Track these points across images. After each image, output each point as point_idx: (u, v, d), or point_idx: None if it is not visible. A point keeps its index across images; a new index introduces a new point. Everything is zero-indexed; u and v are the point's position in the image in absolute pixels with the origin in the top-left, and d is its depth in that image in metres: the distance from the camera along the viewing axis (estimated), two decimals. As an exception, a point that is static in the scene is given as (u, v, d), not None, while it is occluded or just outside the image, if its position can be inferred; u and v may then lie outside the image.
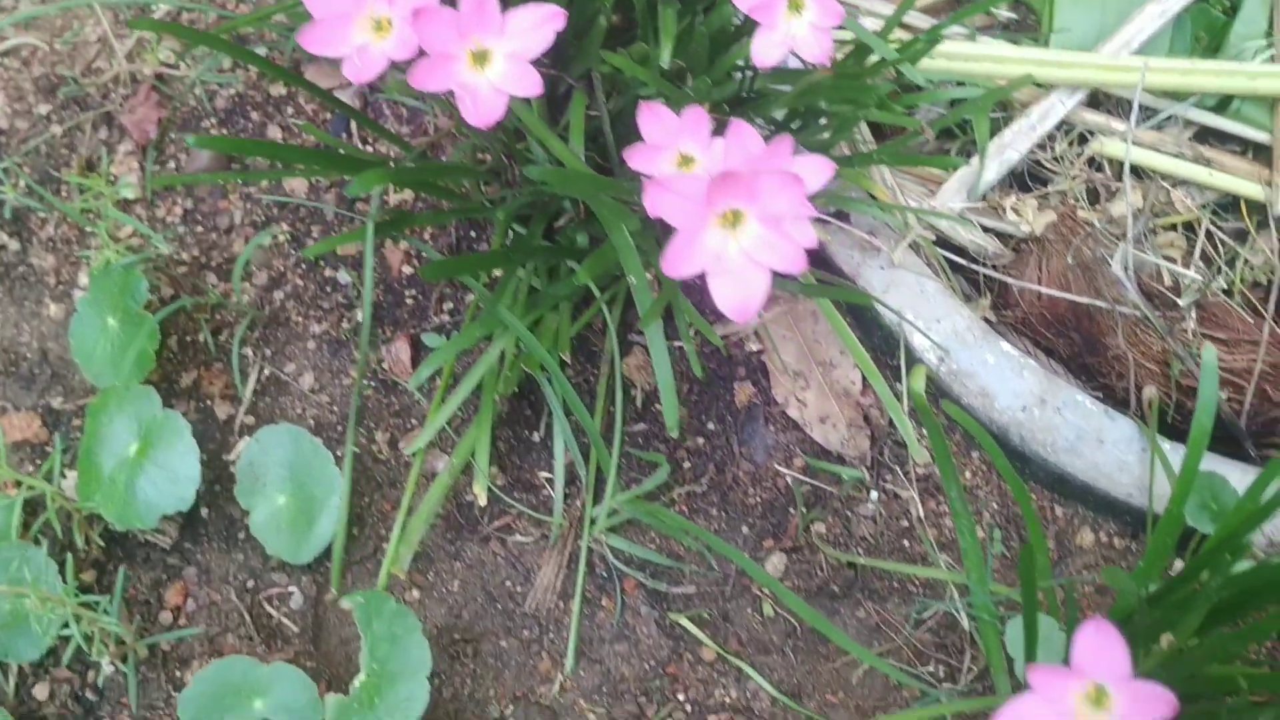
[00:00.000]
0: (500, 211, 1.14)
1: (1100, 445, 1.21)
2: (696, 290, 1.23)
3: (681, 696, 1.15)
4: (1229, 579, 0.95)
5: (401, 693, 1.02)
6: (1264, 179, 1.39)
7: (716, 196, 0.70)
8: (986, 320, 1.34)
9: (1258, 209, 1.39)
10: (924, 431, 1.25)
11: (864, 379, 1.24)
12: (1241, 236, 1.40)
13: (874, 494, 1.22)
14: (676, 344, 1.25)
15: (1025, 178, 1.40)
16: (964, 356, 1.24)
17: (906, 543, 1.21)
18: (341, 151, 1.21)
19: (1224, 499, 1.11)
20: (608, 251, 1.01)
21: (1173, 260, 1.36)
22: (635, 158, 0.85)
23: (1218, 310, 1.36)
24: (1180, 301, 1.29)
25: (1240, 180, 1.39)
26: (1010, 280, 1.32)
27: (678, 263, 0.72)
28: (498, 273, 1.17)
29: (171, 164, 1.32)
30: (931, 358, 1.23)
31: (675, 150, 0.85)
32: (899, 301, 1.25)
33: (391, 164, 1.19)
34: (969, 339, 1.25)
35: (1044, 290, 1.30)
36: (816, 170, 0.82)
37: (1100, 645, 0.64)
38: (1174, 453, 1.21)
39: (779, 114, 1.20)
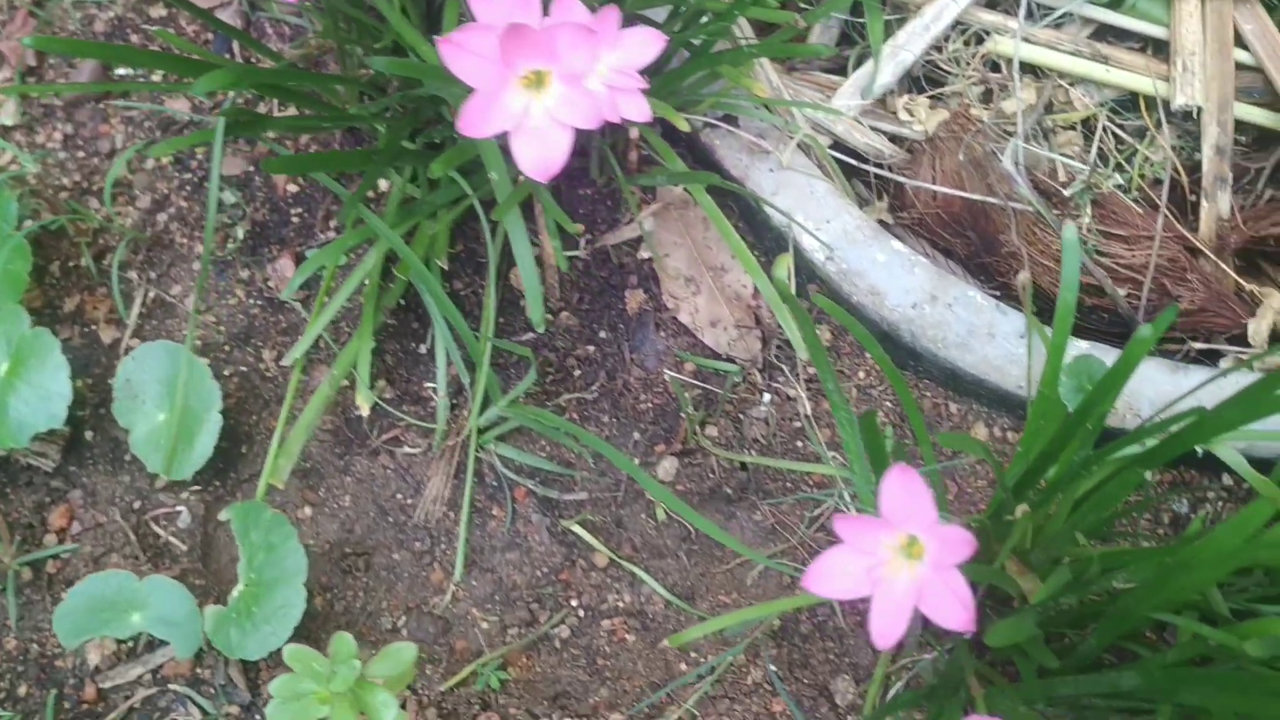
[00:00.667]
0: (377, 119, 1.12)
1: (991, 339, 1.21)
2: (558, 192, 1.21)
3: (575, 602, 1.15)
4: (1091, 457, 0.95)
5: (279, 599, 1.02)
6: (1161, 74, 1.38)
7: (512, 54, 0.69)
8: (883, 223, 1.33)
9: (1158, 105, 1.38)
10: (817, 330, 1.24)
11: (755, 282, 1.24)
12: (1142, 133, 1.39)
13: (766, 396, 1.21)
14: (569, 253, 1.24)
15: (922, 80, 1.39)
16: (854, 255, 1.23)
17: (800, 443, 1.20)
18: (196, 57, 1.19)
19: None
20: (466, 147, 1.00)
21: (1070, 157, 1.36)
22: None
23: (1116, 207, 1.35)
24: (1067, 193, 1.28)
25: (1138, 76, 1.38)
26: (904, 180, 1.31)
27: (475, 122, 0.71)
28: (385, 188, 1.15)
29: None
30: (820, 258, 1.22)
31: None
32: (788, 203, 1.24)
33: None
34: (859, 238, 1.24)
35: (938, 189, 1.29)
36: (646, 42, 0.81)
37: (906, 493, 0.64)
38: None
39: (659, 15, 1.19)
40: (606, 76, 0.81)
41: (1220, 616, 0.91)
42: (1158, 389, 1.21)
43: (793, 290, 1.23)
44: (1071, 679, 0.93)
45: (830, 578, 0.66)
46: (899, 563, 0.65)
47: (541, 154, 0.71)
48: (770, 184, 1.25)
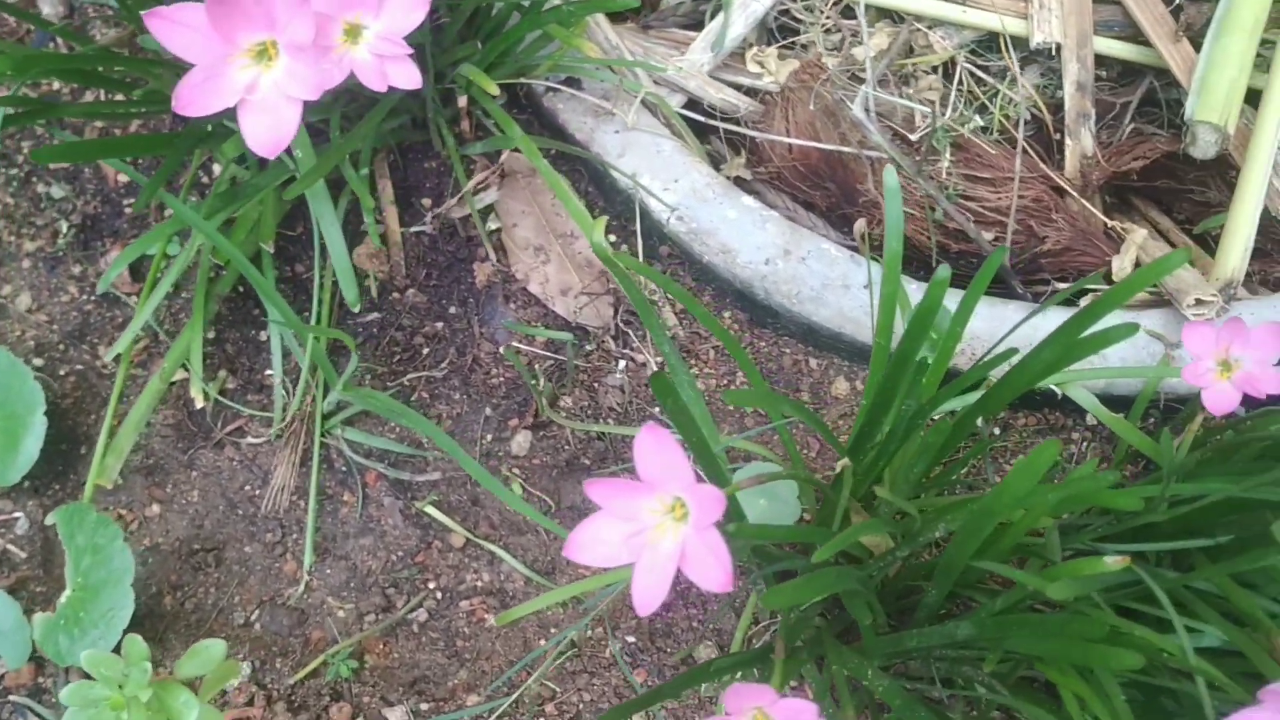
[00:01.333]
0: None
1: (846, 291, 1.19)
2: (400, 167, 1.18)
3: (432, 585, 1.12)
4: (922, 407, 0.93)
5: (106, 603, 0.99)
6: (1020, 12, 1.35)
7: (226, 26, 0.65)
8: (740, 179, 1.30)
9: (1016, 45, 1.36)
10: (669, 296, 1.22)
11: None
12: (1004, 74, 1.37)
13: (621, 363, 1.19)
14: (414, 229, 1.21)
15: (776, 31, 1.36)
16: (704, 214, 1.20)
17: (656, 408, 1.18)
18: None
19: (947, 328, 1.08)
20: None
21: (930, 102, 1.33)
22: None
23: (980, 150, 1.33)
24: (913, 138, 1.26)
25: (996, 15, 1.35)
26: (756, 134, 1.28)
27: (192, 100, 0.68)
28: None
29: None
30: (668, 218, 1.19)
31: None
32: (635, 164, 1.21)
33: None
34: (708, 196, 1.21)
35: (792, 141, 1.27)
36: (410, 7, 0.77)
37: (659, 453, 0.61)
38: (918, 291, 1.19)
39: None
40: (372, 44, 0.78)
41: (1050, 560, 0.89)
42: (1013, 333, 1.19)
43: (641, 253, 1.20)
44: (914, 633, 0.91)
45: (591, 546, 0.63)
46: (665, 526, 0.63)
47: (271, 129, 0.68)
48: (616, 146, 1.22)
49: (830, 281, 1.18)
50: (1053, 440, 0.70)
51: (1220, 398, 0.89)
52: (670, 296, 1.21)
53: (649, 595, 0.62)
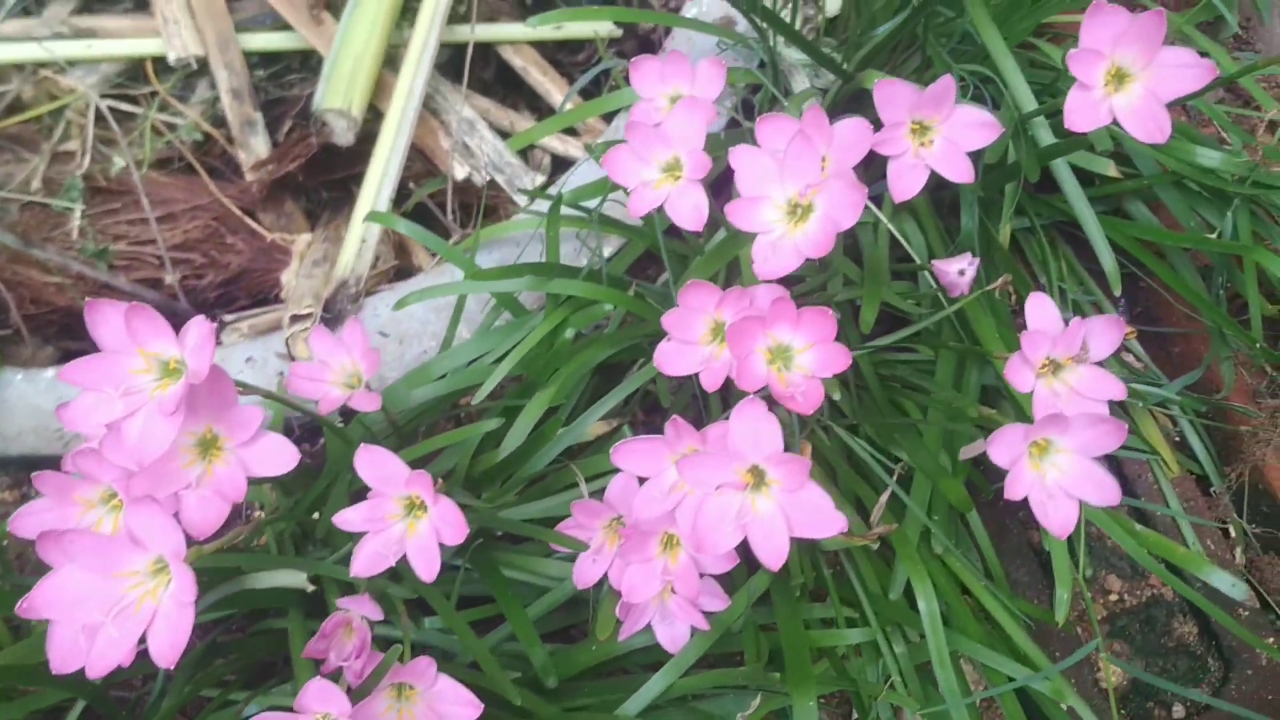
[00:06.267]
0: None
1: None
2: None
3: None
4: None
5: None
6: (153, 30, 1.25)
7: None
8: None
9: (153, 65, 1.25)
10: None
11: None
12: (157, 100, 1.26)
13: None
14: None
15: None
16: None
17: None
18: None
19: None
20: None
21: (70, 154, 1.21)
22: None
23: (151, 188, 1.21)
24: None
25: (133, 41, 1.25)
26: None
27: None
28: None
29: None
30: None
31: None
32: None
33: None
34: None
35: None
36: None
37: None
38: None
39: None
40: None
41: None
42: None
43: None
44: None
45: None
46: None
47: None
48: None
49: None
50: None
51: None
52: None
53: None
